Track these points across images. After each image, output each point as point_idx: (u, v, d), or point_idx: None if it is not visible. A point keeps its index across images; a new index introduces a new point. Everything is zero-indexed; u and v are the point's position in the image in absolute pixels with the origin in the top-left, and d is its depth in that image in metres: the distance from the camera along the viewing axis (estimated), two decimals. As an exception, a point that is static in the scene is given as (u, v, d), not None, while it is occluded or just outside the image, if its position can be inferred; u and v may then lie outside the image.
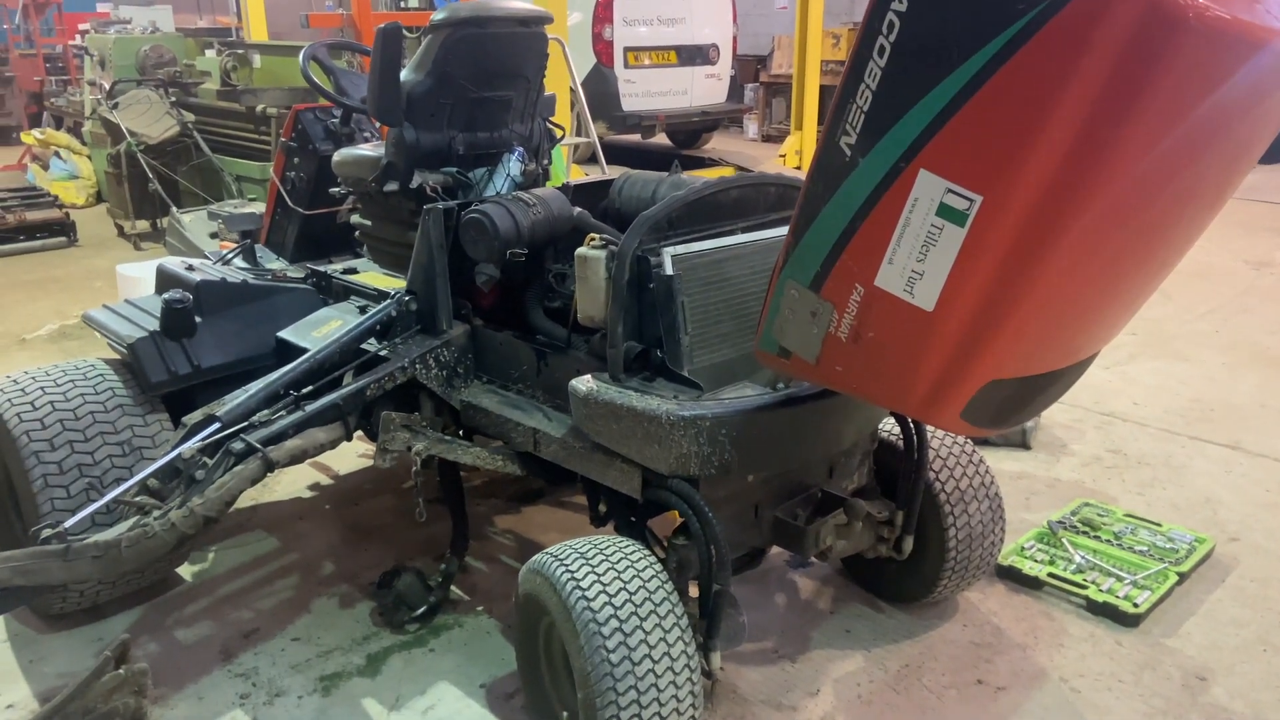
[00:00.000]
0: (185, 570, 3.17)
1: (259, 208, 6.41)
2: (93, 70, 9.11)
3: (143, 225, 7.96)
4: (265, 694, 2.61)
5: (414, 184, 2.99)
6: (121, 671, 2.32)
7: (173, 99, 7.87)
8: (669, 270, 2.25)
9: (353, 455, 3.94)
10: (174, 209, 6.82)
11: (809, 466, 2.51)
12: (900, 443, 2.72)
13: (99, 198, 9.47)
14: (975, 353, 1.69)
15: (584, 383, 2.34)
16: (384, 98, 2.88)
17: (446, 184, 2.98)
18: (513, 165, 3.07)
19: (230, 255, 3.73)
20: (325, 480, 3.83)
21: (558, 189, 2.87)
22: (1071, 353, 1.86)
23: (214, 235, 6.29)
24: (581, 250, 2.36)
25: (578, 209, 2.81)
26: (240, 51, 8.17)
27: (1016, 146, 1.49)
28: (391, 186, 3.01)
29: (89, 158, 9.52)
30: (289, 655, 2.77)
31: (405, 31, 3.31)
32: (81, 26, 13.16)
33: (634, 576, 2.15)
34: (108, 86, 8.09)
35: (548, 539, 3.40)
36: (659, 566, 2.21)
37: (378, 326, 2.77)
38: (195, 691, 2.62)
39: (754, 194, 2.54)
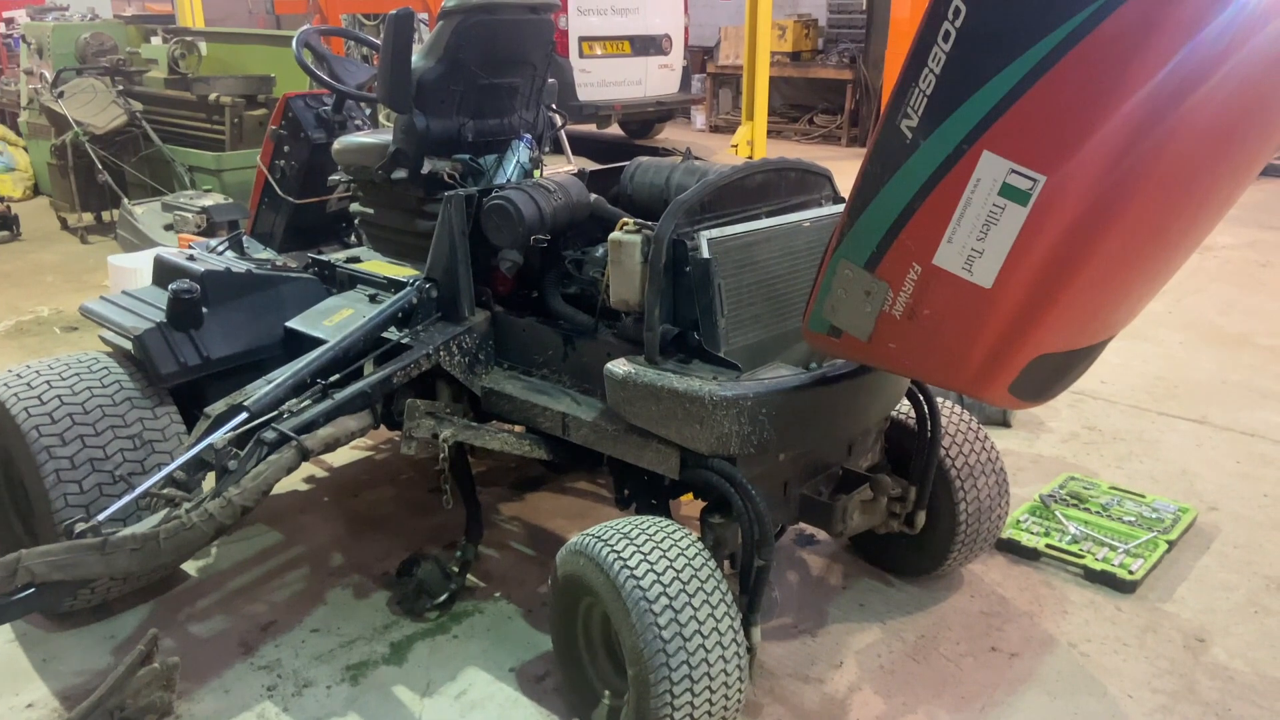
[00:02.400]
0: (190, 566, 3.12)
1: (215, 198, 6.30)
2: (29, 59, 8.79)
3: (88, 218, 7.74)
4: (292, 685, 2.59)
5: (424, 171, 2.98)
6: (156, 665, 2.29)
7: (119, 88, 7.65)
8: (706, 253, 2.29)
9: (347, 447, 3.90)
10: (125, 200, 6.66)
11: (833, 445, 2.58)
12: (909, 421, 2.81)
13: (36, 191, 9.16)
14: (1029, 328, 1.77)
15: (620, 366, 2.37)
16: (395, 84, 2.86)
17: (458, 171, 2.97)
18: (522, 152, 3.08)
19: (218, 245, 3.66)
20: (321, 473, 3.80)
21: (574, 175, 2.89)
22: (1112, 326, 1.95)
23: (169, 227, 6.15)
24: (616, 235, 2.38)
25: (594, 195, 2.83)
26: (188, 39, 7.98)
27: (1083, 127, 1.56)
28: (400, 174, 3.00)
29: (25, 149, 9.20)
30: (311, 646, 2.75)
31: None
32: (7, 14, 12.66)
33: (679, 555, 2.19)
34: (48, 75, 7.83)
35: (554, 524, 3.42)
36: (700, 545, 2.25)
37: (399, 314, 2.76)
38: (219, 685, 2.59)
39: (776, 178, 2.60)
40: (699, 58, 13.56)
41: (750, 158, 10.61)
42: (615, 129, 11.64)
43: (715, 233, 2.34)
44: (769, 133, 10.83)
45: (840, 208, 2.69)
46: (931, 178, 1.73)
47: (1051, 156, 1.61)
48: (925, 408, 2.70)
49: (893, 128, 1.75)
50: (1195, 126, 1.57)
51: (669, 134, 12.56)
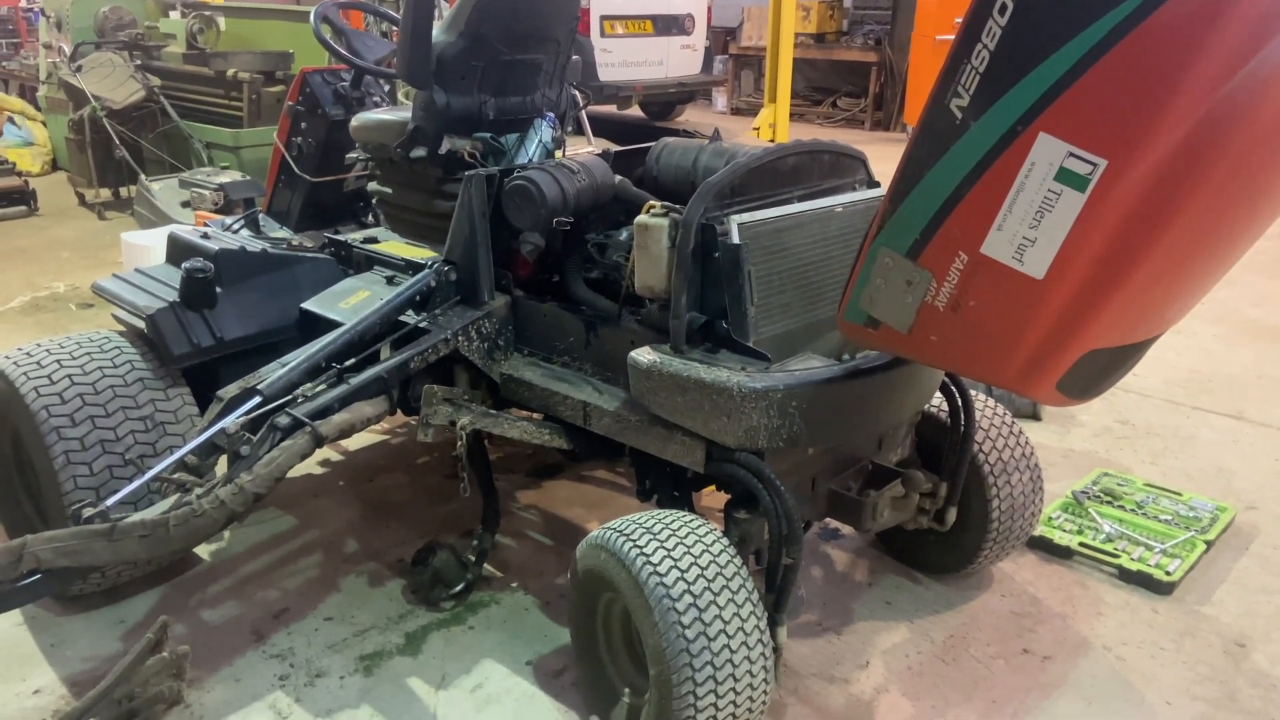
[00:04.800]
0: (203, 550, 3.07)
1: (232, 176, 6.23)
2: (48, 33, 8.74)
3: (106, 194, 7.69)
4: (305, 675, 2.53)
5: (443, 150, 2.90)
6: (166, 654, 2.24)
7: (137, 62, 7.58)
8: (736, 239, 2.20)
9: (362, 431, 3.84)
10: (143, 177, 6.60)
11: (865, 439, 2.49)
12: (941, 414, 2.72)
13: (54, 165, 9.13)
14: (1082, 322, 1.67)
15: (645, 354, 2.29)
16: (414, 59, 2.77)
17: (479, 150, 2.89)
18: (544, 131, 2.99)
19: (234, 223, 3.59)
20: (337, 456, 3.73)
21: (598, 156, 2.80)
22: (1167, 320, 1.85)
23: (186, 204, 6.09)
24: (642, 218, 2.30)
25: (618, 177, 2.74)
26: (206, 14, 7.90)
27: (1150, 108, 1.46)
28: (419, 152, 2.91)
29: (44, 124, 9.16)
30: (324, 635, 2.69)
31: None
32: (27, -13, 12.62)
33: (704, 551, 2.11)
34: (66, 49, 7.77)
35: (572, 513, 3.35)
36: (726, 541, 2.17)
37: (417, 297, 2.68)
38: (230, 674, 2.54)
39: (809, 161, 2.50)
40: (721, 38, 13.40)
41: (772, 141, 10.46)
42: (635, 110, 11.51)
43: (746, 217, 2.24)
44: (791, 116, 10.66)
45: (875, 192, 2.61)
46: (982, 161, 1.63)
47: (1114, 139, 1.51)
48: (959, 401, 2.61)
49: (941, 107, 1.65)
50: (1268, 111, 1.47)
51: (689, 116, 12.42)
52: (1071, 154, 1.55)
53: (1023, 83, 1.55)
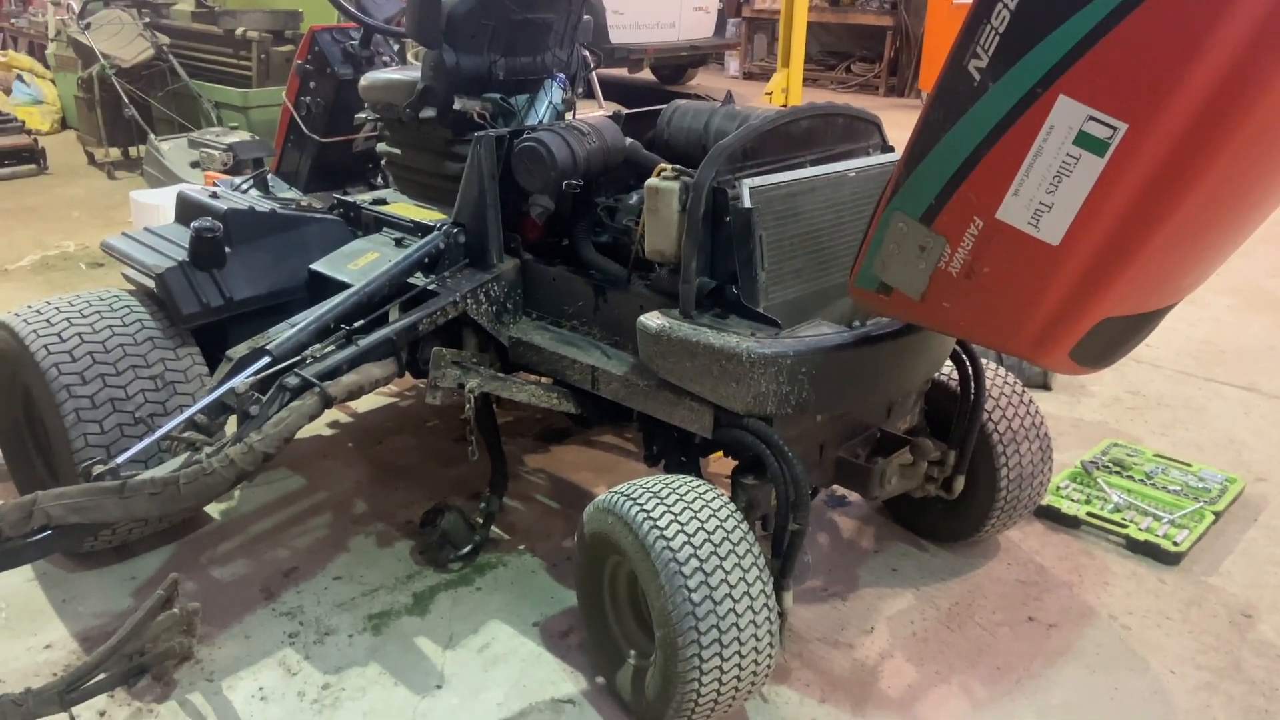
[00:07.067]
0: (213, 509, 3.09)
1: (241, 136, 6.19)
2: (56, -11, 8.68)
3: (115, 153, 7.66)
4: (314, 633, 2.56)
5: (453, 109, 2.87)
6: (176, 610, 2.25)
7: (145, 20, 7.53)
8: (747, 203, 2.18)
9: (371, 394, 3.84)
10: (152, 136, 6.58)
11: (874, 406, 2.48)
12: (951, 382, 2.71)
13: (64, 124, 9.10)
14: (1097, 289, 1.65)
15: (654, 319, 2.27)
16: (424, 17, 2.74)
17: (488, 110, 2.86)
18: (555, 92, 2.96)
19: (243, 184, 3.57)
20: (345, 418, 3.74)
21: (609, 118, 2.77)
22: (1183, 289, 1.83)
23: (195, 164, 6.07)
24: (653, 181, 2.27)
25: (629, 139, 2.72)
26: (215, -29, 7.82)
27: (1173, 71, 1.43)
28: (428, 113, 2.89)
29: (53, 82, 9.12)
30: (333, 594, 2.71)
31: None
32: (35, -57, 12.49)
33: (710, 516, 2.11)
34: (75, 7, 7.71)
35: (580, 477, 3.36)
36: (732, 506, 2.17)
37: (426, 259, 2.66)
38: (241, 630, 2.56)
39: (823, 125, 2.47)
40: (734, 1, 13.22)
41: (785, 106, 10.34)
42: (646, 73, 11.40)
43: (758, 181, 2.22)
44: (804, 81, 10.54)
45: (889, 157, 2.58)
46: (1000, 124, 1.61)
47: (1135, 103, 1.48)
48: (969, 369, 2.60)
49: (959, 69, 1.62)
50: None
51: (701, 80, 12.28)
52: (1091, 118, 1.52)
53: (1043, 44, 1.52)
